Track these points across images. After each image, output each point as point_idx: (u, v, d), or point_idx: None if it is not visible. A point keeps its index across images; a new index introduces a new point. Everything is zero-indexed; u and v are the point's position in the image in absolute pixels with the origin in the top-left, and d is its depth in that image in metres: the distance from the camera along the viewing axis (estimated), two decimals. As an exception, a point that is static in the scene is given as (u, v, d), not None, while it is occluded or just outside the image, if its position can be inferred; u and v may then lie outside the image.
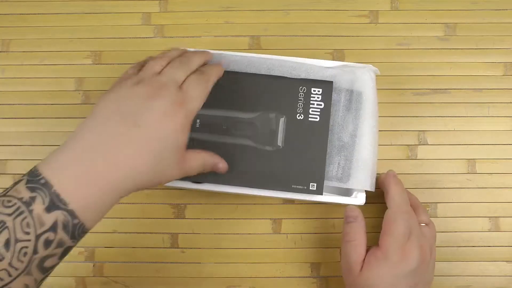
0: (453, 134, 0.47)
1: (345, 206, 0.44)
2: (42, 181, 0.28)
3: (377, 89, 0.46)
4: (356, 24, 0.49)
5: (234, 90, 0.41)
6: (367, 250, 0.39)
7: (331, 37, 0.49)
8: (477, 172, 0.47)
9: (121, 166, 0.30)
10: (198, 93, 0.34)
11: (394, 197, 0.39)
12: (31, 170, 0.29)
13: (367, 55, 0.48)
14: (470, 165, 0.47)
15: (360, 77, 0.41)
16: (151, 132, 0.31)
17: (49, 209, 0.28)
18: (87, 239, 0.46)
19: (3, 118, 0.48)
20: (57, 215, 0.28)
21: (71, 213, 0.28)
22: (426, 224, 0.40)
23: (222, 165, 0.38)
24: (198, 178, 0.40)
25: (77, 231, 0.29)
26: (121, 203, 0.47)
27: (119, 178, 0.30)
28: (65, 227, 0.28)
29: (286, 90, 0.40)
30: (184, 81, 0.34)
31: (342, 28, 0.49)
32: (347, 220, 0.39)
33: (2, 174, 0.47)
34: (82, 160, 0.29)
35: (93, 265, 0.46)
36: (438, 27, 0.49)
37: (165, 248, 0.46)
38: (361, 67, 0.42)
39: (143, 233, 0.47)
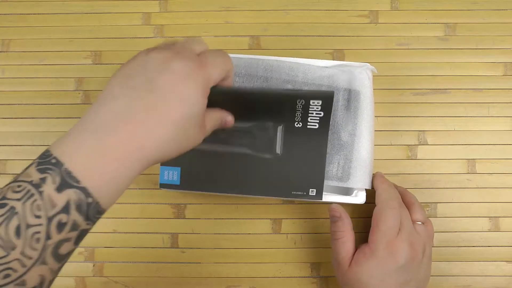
0: (453, 134, 0.47)
1: (345, 205, 0.44)
2: (53, 160, 0.26)
3: (378, 89, 0.46)
4: (356, 24, 0.49)
5: (231, 104, 0.39)
6: (358, 248, 0.39)
7: (331, 37, 0.49)
8: (477, 172, 0.47)
9: (139, 135, 0.27)
10: (218, 62, 0.32)
11: (381, 194, 0.40)
12: (43, 152, 0.27)
13: (367, 55, 0.48)
14: (470, 165, 0.47)
15: (357, 76, 0.41)
16: (172, 95, 0.28)
17: (60, 188, 0.25)
18: (87, 239, 0.46)
19: (3, 118, 0.48)
20: (69, 195, 0.26)
21: (84, 191, 0.26)
22: (422, 223, 0.40)
23: (230, 118, 0.36)
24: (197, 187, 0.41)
25: (92, 211, 0.27)
26: (121, 203, 0.47)
27: (137, 148, 0.27)
28: (78, 207, 0.26)
29: (284, 104, 0.39)
30: (201, 52, 0.32)
31: (342, 28, 0.49)
32: (332, 219, 0.40)
33: (2, 174, 0.47)
34: (96, 134, 0.27)
35: (93, 265, 0.46)
36: (438, 27, 0.49)
37: (165, 248, 0.46)
38: (359, 66, 0.42)
39: (143, 233, 0.47)
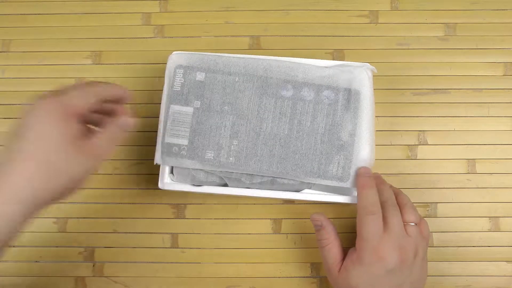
0: (453, 134, 0.47)
1: (345, 205, 0.44)
2: None
3: (378, 89, 0.46)
4: (356, 24, 0.49)
5: None
6: (348, 252, 0.39)
7: (331, 37, 0.49)
8: (477, 172, 0.47)
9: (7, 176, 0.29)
10: (76, 91, 0.33)
11: (359, 200, 0.39)
12: None
13: (367, 55, 0.48)
14: (470, 165, 0.47)
15: (357, 76, 0.41)
16: (27, 134, 0.30)
17: None
18: (87, 239, 0.46)
19: (3, 118, 0.48)
20: None
21: None
22: (416, 224, 0.39)
23: (129, 121, 0.35)
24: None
25: None
26: (121, 203, 0.47)
27: (7, 184, 0.29)
28: None
29: None
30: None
31: (342, 28, 0.49)
32: (315, 228, 0.40)
33: (2, 174, 0.47)
34: None
35: (93, 265, 0.46)
36: (438, 27, 0.49)
37: (165, 248, 0.46)
38: (358, 66, 0.42)
39: (143, 233, 0.47)
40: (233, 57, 0.42)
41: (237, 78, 0.42)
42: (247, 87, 0.41)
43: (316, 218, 0.40)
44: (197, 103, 0.41)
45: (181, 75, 0.42)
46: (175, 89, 0.42)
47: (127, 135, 0.36)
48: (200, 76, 0.42)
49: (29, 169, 0.30)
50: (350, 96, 0.41)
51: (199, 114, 0.41)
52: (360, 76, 0.41)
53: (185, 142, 0.41)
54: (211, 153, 0.41)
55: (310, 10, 0.49)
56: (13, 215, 0.29)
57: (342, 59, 0.48)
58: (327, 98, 0.41)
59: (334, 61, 0.43)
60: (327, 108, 0.41)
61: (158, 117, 0.42)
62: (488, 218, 0.46)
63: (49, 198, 0.31)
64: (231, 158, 0.41)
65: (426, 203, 0.46)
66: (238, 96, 0.41)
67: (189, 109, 0.41)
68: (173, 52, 0.43)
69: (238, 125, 0.41)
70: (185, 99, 0.41)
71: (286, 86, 0.41)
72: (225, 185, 0.42)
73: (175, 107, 0.41)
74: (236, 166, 0.41)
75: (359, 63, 0.42)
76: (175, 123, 0.41)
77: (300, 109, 0.41)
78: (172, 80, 0.42)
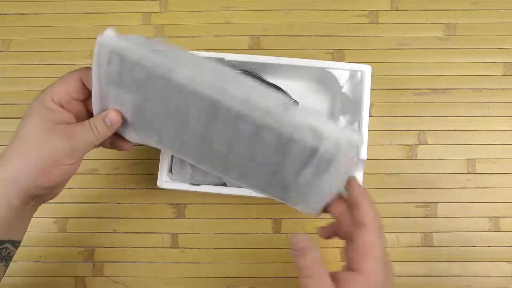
0: (453, 134, 0.47)
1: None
2: None
3: (378, 89, 0.46)
4: (356, 24, 0.49)
5: None
6: (335, 275, 0.31)
7: (331, 37, 0.49)
8: (477, 172, 0.47)
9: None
10: (57, 82, 0.36)
11: (370, 212, 0.31)
12: None
13: (367, 55, 0.48)
14: (470, 165, 0.47)
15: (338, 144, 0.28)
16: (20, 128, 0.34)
17: None
18: (87, 239, 0.46)
19: (3, 118, 0.48)
20: None
21: None
22: None
23: (112, 115, 0.36)
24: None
25: None
26: (121, 203, 0.47)
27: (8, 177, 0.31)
28: None
29: None
30: None
31: (342, 28, 0.49)
32: (298, 252, 0.31)
33: (2, 174, 0.47)
34: None
35: (93, 265, 0.46)
36: (438, 27, 0.49)
37: (165, 248, 0.46)
38: (344, 137, 0.28)
39: (143, 233, 0.47)
40: (234, 56, 0.40)
41: (179, 98, 0.30)
42: (192, 110, 0.30)
43: (301, 239, 0.31)
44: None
45: (118, 63, 0.32)
46: (112, 75, 0.33)
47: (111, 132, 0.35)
48: (139, 73, 0.32)
49: (10, 152, 0.32)
50: (315, 156, 0.28)
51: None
52: (340, 143, 0.28)
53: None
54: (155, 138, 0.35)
55: (310, 10, 0.49)
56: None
57: (342, 59, 0.48)
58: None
59: (334, 62, 0.43)
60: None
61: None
62: (488, 218, 0.46)
63: (36, 182, 0.32)
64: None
65: (426, 203, 0.46)
66: (182, 118, 0.31)
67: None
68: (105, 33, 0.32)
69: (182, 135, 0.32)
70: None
71: (240, 124, 0.28)
72: (224, 184, 0.42)
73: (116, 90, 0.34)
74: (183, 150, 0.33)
75: (346, 130, 0.28)
76: None
77: (257, 147, 0.30)
78: (104, 68, 0.34)
